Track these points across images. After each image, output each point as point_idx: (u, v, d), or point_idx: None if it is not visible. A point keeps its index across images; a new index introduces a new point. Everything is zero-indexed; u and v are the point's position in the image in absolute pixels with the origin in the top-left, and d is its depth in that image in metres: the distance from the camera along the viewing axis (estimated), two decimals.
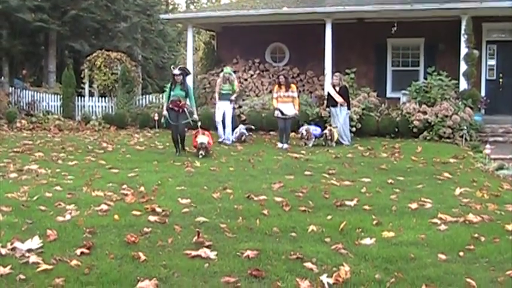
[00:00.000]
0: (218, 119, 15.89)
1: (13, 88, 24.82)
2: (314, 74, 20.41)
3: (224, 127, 15.85)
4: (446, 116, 15.71)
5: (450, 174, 10.53)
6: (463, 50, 17.39)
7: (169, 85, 13.47)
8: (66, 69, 23.28)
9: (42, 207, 7.63)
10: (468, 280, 4.98)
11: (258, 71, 20.81)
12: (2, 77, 27.49)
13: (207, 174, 10.53)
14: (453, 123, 15.56)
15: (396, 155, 13.25)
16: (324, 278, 4.99)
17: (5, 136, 17.72)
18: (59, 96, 23.25)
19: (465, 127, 15.59)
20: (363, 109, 16.74)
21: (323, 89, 18.76)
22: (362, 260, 5.57)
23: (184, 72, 13.32)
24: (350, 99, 16.05)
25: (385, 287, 4.87)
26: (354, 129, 16.23)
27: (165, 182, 9.64)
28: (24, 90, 24.48)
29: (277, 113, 14.83)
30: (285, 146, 14.45)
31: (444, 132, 15.59)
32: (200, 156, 12.49)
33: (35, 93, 24.01)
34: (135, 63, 24.43)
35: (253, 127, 16.43)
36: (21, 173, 10.65)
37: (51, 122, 20.85)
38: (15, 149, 14.12)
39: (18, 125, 20.53)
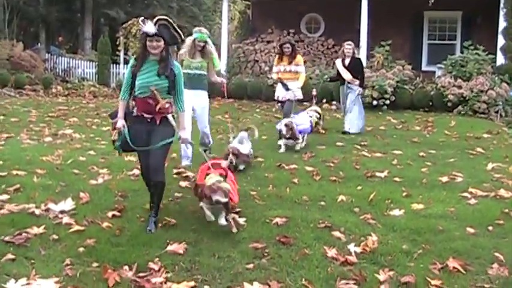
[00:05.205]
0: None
1: (49, 54, 25.17)
2: None
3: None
4: (482, 91, 15.45)
5: (483, 149, 10.41)
6: (502, 24, 17.04)
7: (130, 63, 5.86)
8: (101, 37, 23.45)
9: (76, 171, 7.79)
10: (496, 254, 4.97)
11: None
12: (39, 44, 27.86)
13: None
14: (488, 98, 15.31)
15: (429, 128, 13.13)
16: (352, 247, 5.04)
17: (41, 101, 17.97)
18: (94, 63, 23.48)
19: (501, 103, 15.34)
20: (397, 82, 16.53)
21: None
22: (390, 230, 5.59)
23: (170, 39, 5.62)
24: (364, 74, 12.83)
25: (412, 257, 4.89)
26: (387, 101, 16.03)
27: (196, 148, 9.70)
28: (60, 57, 24.80)
29: (276, 96, 11.40)
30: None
31: (479, 107, 15.34)
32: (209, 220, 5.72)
33: (71, 60, 24.30)
34: None
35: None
36: (56, 137, 10.86)
37: (86, 89, 21.05)
38: (50, 114, 14.36)
39: (53, 91, 20.78)
